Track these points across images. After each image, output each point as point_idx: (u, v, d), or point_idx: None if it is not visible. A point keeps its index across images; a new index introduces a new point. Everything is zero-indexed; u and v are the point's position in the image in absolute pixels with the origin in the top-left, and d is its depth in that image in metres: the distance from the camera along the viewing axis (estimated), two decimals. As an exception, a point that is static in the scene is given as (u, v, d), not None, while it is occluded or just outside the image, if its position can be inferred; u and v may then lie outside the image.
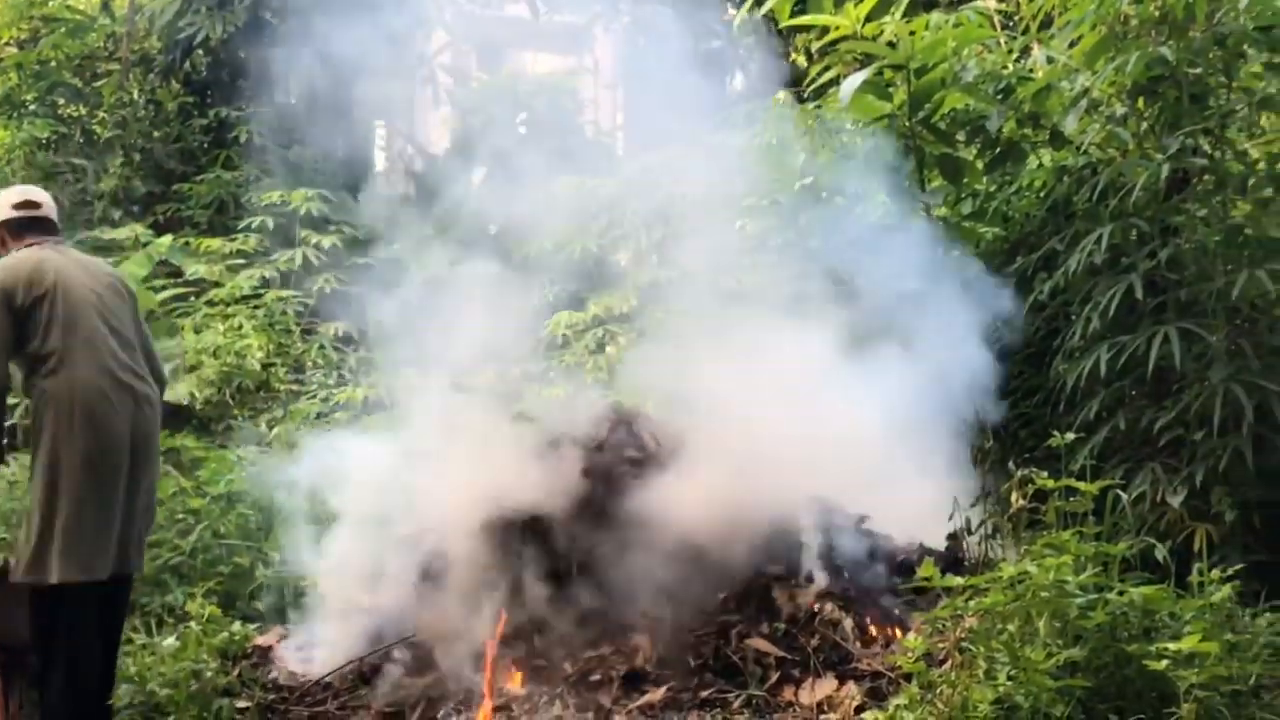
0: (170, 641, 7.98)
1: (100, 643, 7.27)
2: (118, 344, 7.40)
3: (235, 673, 7.88)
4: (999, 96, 9.92)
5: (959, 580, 6.77)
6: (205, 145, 18.56)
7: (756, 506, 8.28)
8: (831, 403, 8.66)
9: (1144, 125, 8.89)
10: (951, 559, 8.47)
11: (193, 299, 14.76)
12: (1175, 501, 8.00)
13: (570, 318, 13.06)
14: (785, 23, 10.73)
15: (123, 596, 7.58)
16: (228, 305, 14.34)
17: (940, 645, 6.93)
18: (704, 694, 7.44)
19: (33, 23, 19.39)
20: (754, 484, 8.30)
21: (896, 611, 7.98)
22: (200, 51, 18.96)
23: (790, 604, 7.84)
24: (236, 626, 8.32)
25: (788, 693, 7.40)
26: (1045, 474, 7.22)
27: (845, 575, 8.14)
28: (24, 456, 8.67)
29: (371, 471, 8.95)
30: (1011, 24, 11.52)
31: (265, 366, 13.62)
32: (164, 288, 15.02)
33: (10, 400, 7.27)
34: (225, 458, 10.88)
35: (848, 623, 7.73)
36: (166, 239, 15.94)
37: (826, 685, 7.35)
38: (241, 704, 7.67)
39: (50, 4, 19.34)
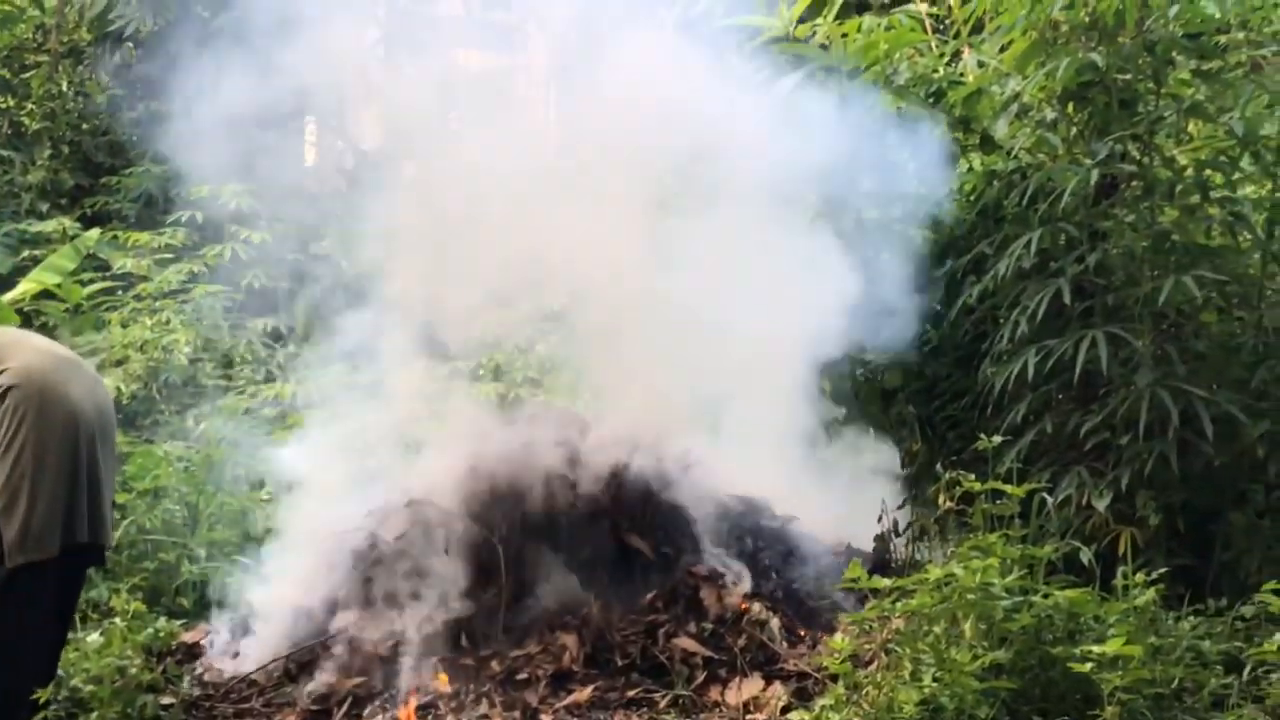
0: (94, 637, 7.90)
1: (53, 626, 7.19)
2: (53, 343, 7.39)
3: (160, 669, 7.82)
4: (930, 100, 9.96)
5: (886, 582, 6.79)
6: (134, 138, 18.42)
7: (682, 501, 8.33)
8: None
9: (1074, 130, 8.94)
10: (879, 560, 8.50)
11: (120, 293, 14.63)
12: (1101, 505, 8.05)
13: (500, 315, 13.02)
14: (719, 22, 10.73)
15: (81, 575, 7.51)
16: (155, 300, 14.22)
17: (867, 646, 6.96)
18: (631, 694, 7.44)
19: (-40, 13, 19.24)
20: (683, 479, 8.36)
21: (823, 613, 8.01)
22: (130, 44, 18.83)
23: (718, 604, 7.85)
24: (161, 623, 8.25)
25: (714, 693, 7.41)
26: (972, 476, 7.26)
27: (773, 576, 8.16)
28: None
29: (299, 469, 8.91)
30: (943, 28, 11.55)
31: (193, 362, 13.52)
32: (91, 282, 14.91)
33: None
34: (152, 453, 10.79)
35: (775, 623, 7.75)
36: (94, 232, 15.82)
37: (753, 685, 7.37)
38: (166, 700, 7.60)
39: (-21, -5, 19.20)
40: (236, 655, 8.13)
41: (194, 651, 8.29)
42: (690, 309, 8.70)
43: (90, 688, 7.47)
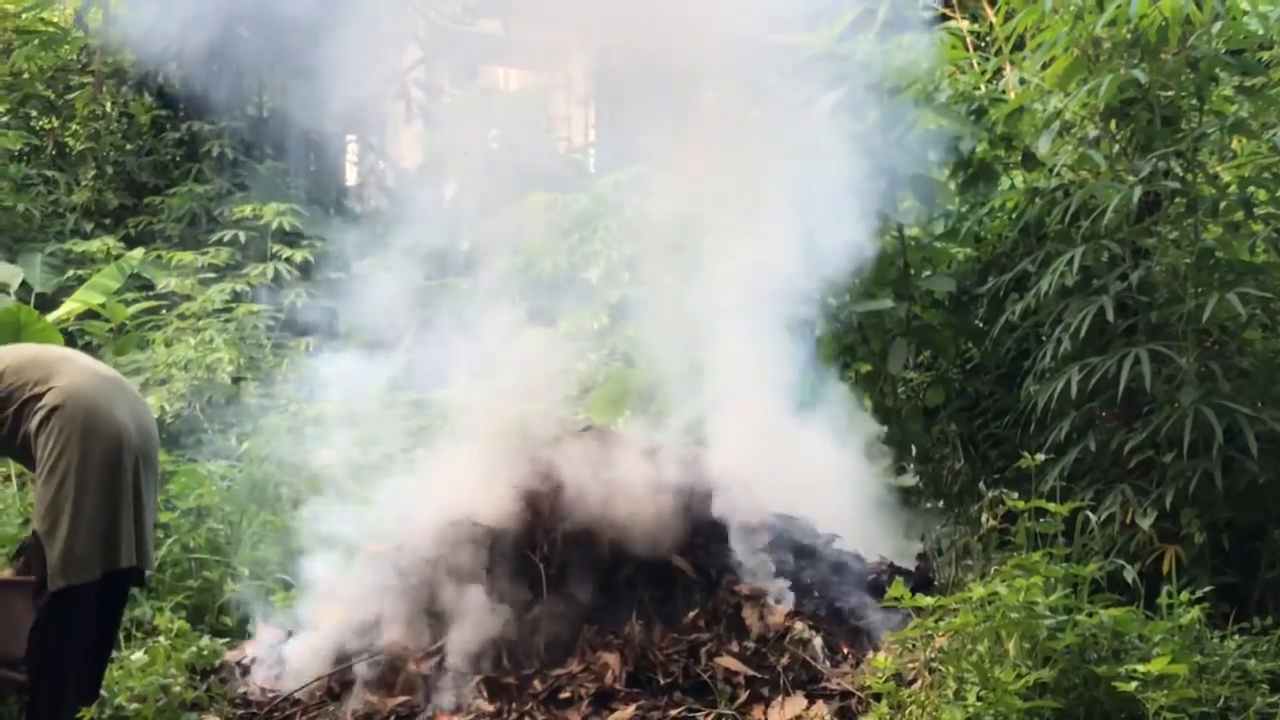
0: (138, 656, 7.94)
1: (95, 647, 7.21)
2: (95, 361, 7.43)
3: (204, 687, 7.85)
4: (972, 117, 9.96)
5: (929, 600, 6.77)
6: (178, 158, 18.51)
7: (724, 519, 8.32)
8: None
9: (1116, 148, 8.92)
10: (922, 579, 8.47)
11: (164, 312, 14.69)
12: (1145, 523, 8.03)
13: (540, 334, 13.05)
14: (761, 39, 10.73)
15: (124, 596, 7.55)
16: (199, 319, 14.27)
17: (910, 665, 6.94)
18: (673, 713, 7.42)
19: (5, 35, 19.33)
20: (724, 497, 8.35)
21: (866, 631, 7.99)
22: (174, 65, 18.91)
23: (760, 623, 7.83)
24: (205, 641, 8.28)
25: (757, 712, 7.39)
26: (1015, 495, 7.24)
27: (815, 594, 8.14)
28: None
29: (342, 487, 8.94)
30: (984, 45, 11.55)
31: (236, 380, 13.57)
32: (135, 301, 14.96)
33: None
34: (195, 472, 10.83)
35: (817, 642, 7.73)
36: (138, 252, 15.88)
37: (796, 704, 7.35)
38: (209, 719, 7.64)
39: (23, 16, 19.28)
40: (280, 674, 8.15)
41: (237, 670, 8.31)
42: (730, 326, 8.72)
43: (134, 706, 7.50)
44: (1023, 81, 9.93)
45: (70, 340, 13.90)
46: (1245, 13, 8.66)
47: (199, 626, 8.86)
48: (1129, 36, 8.61)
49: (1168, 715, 5.98)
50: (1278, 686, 6.62)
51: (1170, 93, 8.68)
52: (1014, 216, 9.75)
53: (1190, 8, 8.27)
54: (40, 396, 6.97)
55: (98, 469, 6.91)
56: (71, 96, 19.01)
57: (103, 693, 7.40)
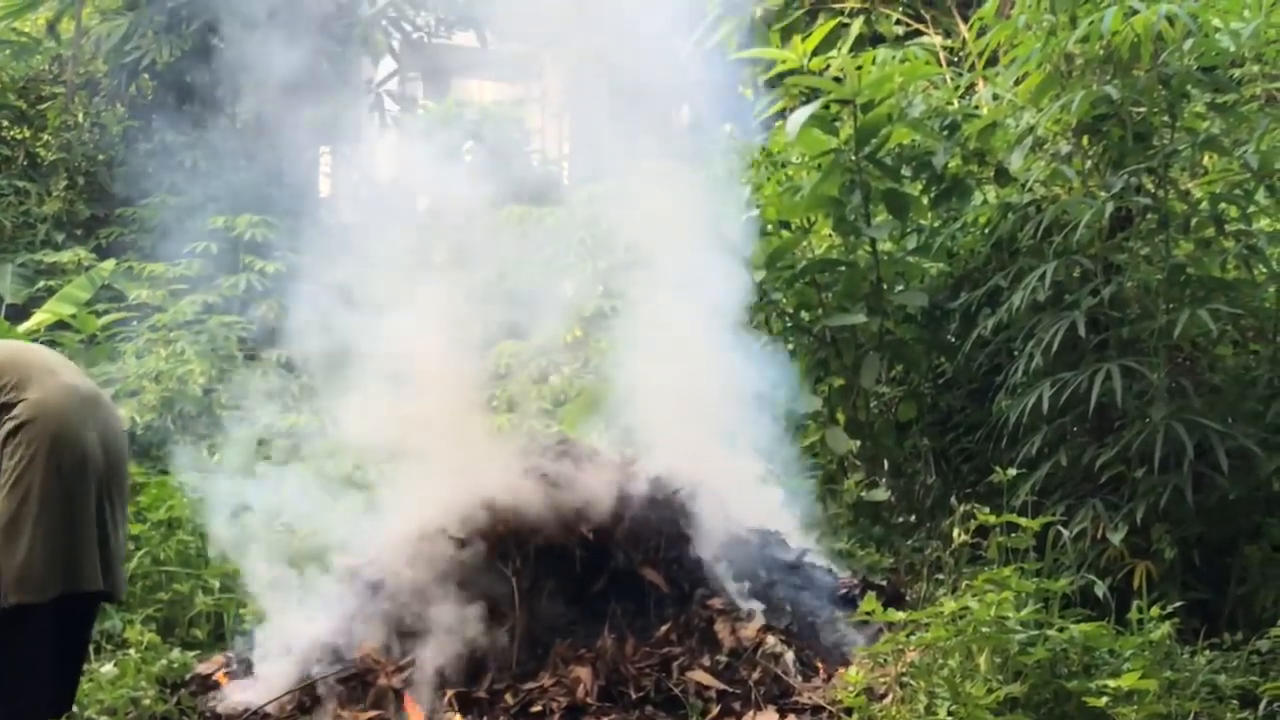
0: (108, 669, 7.91)
1: (56, 670, 7.15)
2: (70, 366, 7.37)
3: (174, 701, 7.82)
4: (945, 133, 9.98)
5: (901, 615, 6.79)
6: (149, 169, 18.48)
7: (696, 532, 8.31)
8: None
9: (1088, 163, 8.95)
10: (893, 594, 8.48)
11: (135, 323, 14.67)
12: (1116, 538, 8.05)
13: (513, 347, 13.04)
14: (734, 55, 10.76)
15: (90, 617, 7.48)
16: (170, 330, 14.26)
17: (881, 680, 6.95)
18: (645, 726, 7.44)
19: (-23, 45, 19.32)
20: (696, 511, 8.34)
21: (838, 646, 7.99)
22: (146, 75, 18.89)
23: (732, 637, 7.83)
24: (176, 654, 8.27)
25: (728, 726, 7.40)
26: (987, 509, 7.26)
27: (787, 608, 8.14)
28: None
29: (314, 500, 8.91)
30: (958, 61, 11.59)
31: (207, 392, 13.55)
32: (106, 312, 14.94)
33: None
34: (166, 484, 10.80)
35: (789, 656, 7.72)
36: (110, 263, 15.87)
37: (767, 718, 7.35)
38: (179, 732, 7.62)
39: (-4, 26, 19.27)
40: (249, 687, 8.12)
41: (208, 683, 8.28)
42: (699, 338, 8.73)
43: (104, 719, 7.47)
44: (996, 97, 9.97)
45: (40, 352, 13.86)
46: (1217, 30, 8.68)
47: (169, 639, 8.83)
48: (1101, 53, 8.64)
49: (1138, 730, 6.01)
50: (1248, 702, 6.64)
51: (1142, 109, 8.71)
52: (986, 232, 9.77)
53: (1162, 25, 8.30)
54: (12, 406, 6.90)
55: (61, 492, 6.82)
56: (43, 106, 19.00)
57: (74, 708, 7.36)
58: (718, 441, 8.74)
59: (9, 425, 6.84)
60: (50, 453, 6.79)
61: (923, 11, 14.39)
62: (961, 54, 11.28)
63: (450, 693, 7.66)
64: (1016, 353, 8.85)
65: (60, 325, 14.72)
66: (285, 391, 13.88)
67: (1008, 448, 8.77)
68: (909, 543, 9.45)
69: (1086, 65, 8.78)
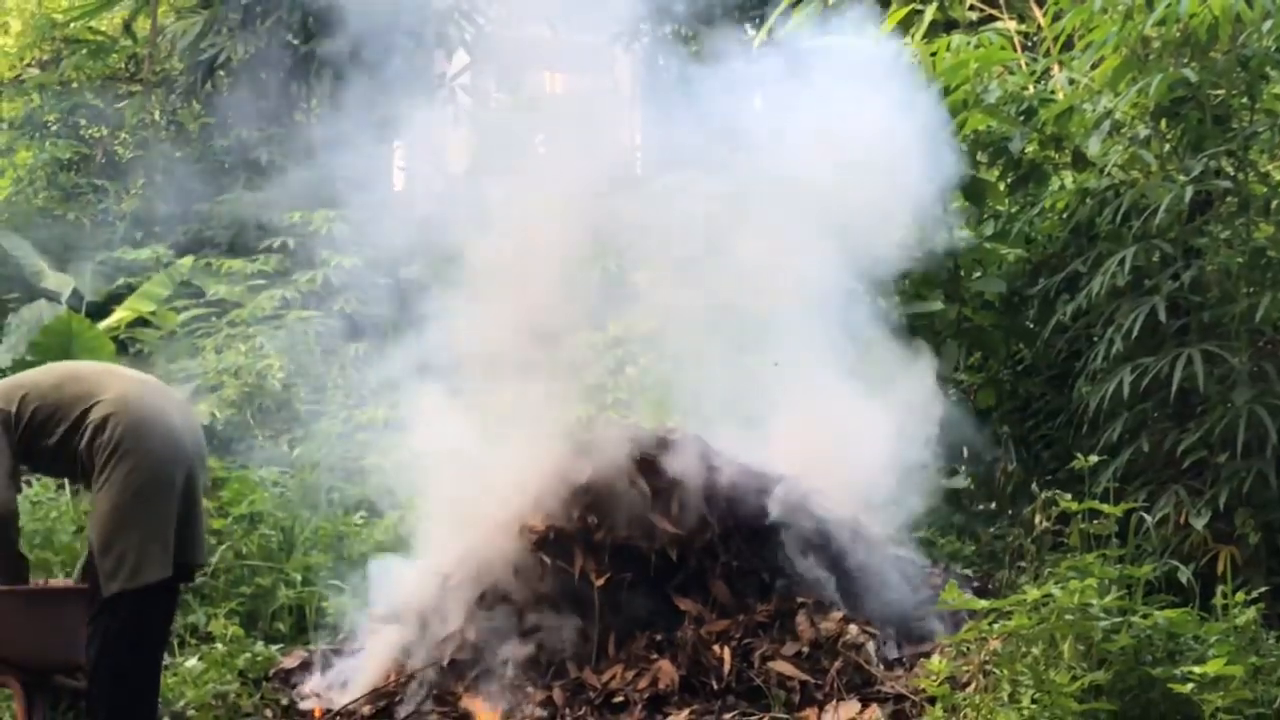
0: (193, 663, 7.98)
1: (151, 651, 7.22)
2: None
3: (258, 695, 7.87)
4: (1021, 118, 9.93)
5: (983, 603, 6.77)
6: (226, 166, 18.58)
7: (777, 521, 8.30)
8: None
9: (1167, 147, 8.89)
10: (976, 581, 8.46)
11: (214, 319, 14.74)
12: (1199, 524, 8.01)
13: (590, 338, 13.02)
14: (805, 44, 10.72)
15: (175, 598, 7.55)
16: (249, 326, 14.32)
17: (964, 668, 6.93)
18: (727, 717, 7.43)
19: (55, 44, 19.48)
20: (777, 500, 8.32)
21: (921, 634, 7.98)
22: (222, 72, 19.00)
23: (812, 628, 7.82)
24: (259, 648, 8.33)
25: (811, 716, 7.39)
26: (1068, 496, 7.22)
27: (870, 597, 8.13)
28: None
29: (394, 495, 8.94)
30: (1033, 46, 11.52)
31: (286, 387, 13.60)
32: (186, 308, 15.03)
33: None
34: (247, 478, 10.86)
35: (871, 646, 7.71)
36: (188, 260, 15.96)
37: (850, 708, 7.34)
38: (264, 725, 7.68)
39: (72, 26, 19.40)
40: (332, 683, 8.17)
41: (291, 677, 8.33)
42: (786, 329, 8.71)
43: (192, 713, 7.53)
44: (1072, 82, 9.91)
45: (122, 348, 13.99)
46: (1297, 10, 8.62)
47: (252, 633, 8.89)
48: (1179, 35, 8.58)
49: (1223, 717, 5.96)
50: (1334, 687, 6.59)
51: (1221, 91, 8.65)
52: (1064, 217, 9.72)
53: (1240, 6, 8.24)
54: (88, 412, 6.98)
55: (152, 476, 6.91)
56: (120, 105, 19.12)
57: (162, 699, 7.42)
58: (800, 428, 8.71)
59: (90, 427, 6.92)
60: (137, 440, 6.90)
61: (996, -4, 14.35)
62: (1036, 38, 11.21)
63: (533, 686, 7.69)
64: (1096, 338, 8.81)
65: (140, 322, 14.83)
66: (364, 385, 13.95)
67: (1088, 434, 8.73)
68: (990, 530, 9.42)
69: (1164, 48, 8.72)
